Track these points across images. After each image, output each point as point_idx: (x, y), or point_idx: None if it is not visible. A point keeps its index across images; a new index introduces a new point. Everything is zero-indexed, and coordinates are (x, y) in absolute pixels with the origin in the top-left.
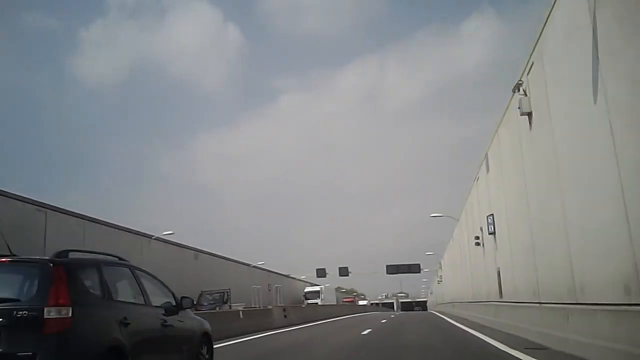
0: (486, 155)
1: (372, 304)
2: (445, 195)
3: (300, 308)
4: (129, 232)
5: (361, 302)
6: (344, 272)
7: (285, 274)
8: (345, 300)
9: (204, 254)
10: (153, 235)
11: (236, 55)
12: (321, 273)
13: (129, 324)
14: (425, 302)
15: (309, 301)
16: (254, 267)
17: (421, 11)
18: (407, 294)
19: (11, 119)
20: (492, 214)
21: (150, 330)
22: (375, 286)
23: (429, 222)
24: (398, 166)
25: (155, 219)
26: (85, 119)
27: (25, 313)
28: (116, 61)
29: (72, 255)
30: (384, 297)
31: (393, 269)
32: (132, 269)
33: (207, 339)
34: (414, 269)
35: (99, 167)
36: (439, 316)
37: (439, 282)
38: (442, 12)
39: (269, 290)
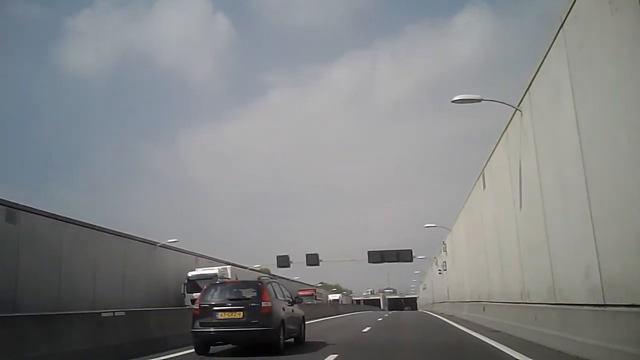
0: None
1: (354, 301)
2: (442, 193)
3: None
4: None
5: (333, 297)
6: (313, 260)
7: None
8: (302, 293)
9: (35, 216)
10: None
11: (226, 47)
12: (283, 261)
13: (285, 310)
14: (415, 299)
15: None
16: (163, 246)
17: (413, 5)
18: (395, 290)
19: None
20: None
21: (289, 313)
22: (363, 281)
23: (426, 218)
24: (393, 162)
25: (141, 214)
26: (70, 111)
27: (254, 304)
28: (103, 52)
29: (261, 278)
30: (369, 293)
31: (377, 257)
32: (278, 282)
33: (304, 321)
34: (404, 256)
35: (82, 160)
36: (479, 339)
37: (440, 271)
38: (435, 6)
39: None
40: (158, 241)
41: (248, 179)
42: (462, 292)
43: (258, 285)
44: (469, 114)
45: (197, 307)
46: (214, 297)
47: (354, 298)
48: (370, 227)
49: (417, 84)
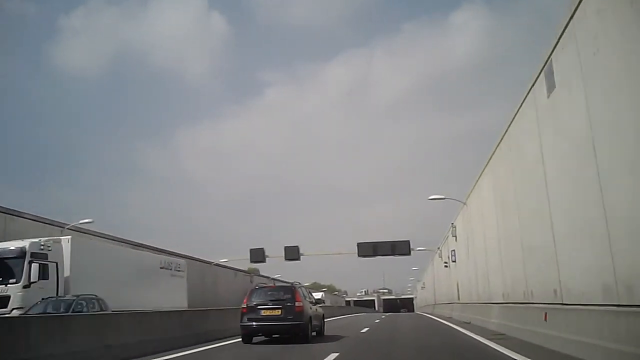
0: None
1: (348, 302)
2: (442, 192)
3: None
4: None
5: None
6: (292, 254)
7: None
8: None
9: None
10: None
11: (222, 45)
12: (257, 256)
13: (311, 308)
14: (412, 300)
15: None
16: (72, 228)
17: (411, 3)
18: (391, 290)
19: None
20: None
21: (314, 312)
22: (357, 281)
23: (425, 216)
24: (392, 161)
25: (140, 214)
26: (67, 111)
27: (289, 304)
28: (98, 50)
29: (294, 284)
30: (363, 293)
31: (368, 250)
32: (305, 287)
33: (324, 318)
34: (401, 249)
35: (81, 159)
36: None
37: (446, 264)
38: (432, 4)
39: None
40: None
41: (246, 178)
42: (485, 289)
43: (292, 290)
44: (469, 114)
45: (245, 306)
46: (257, 298)
47: (347, 299)
48: (369, 226)
49: (415, 82)
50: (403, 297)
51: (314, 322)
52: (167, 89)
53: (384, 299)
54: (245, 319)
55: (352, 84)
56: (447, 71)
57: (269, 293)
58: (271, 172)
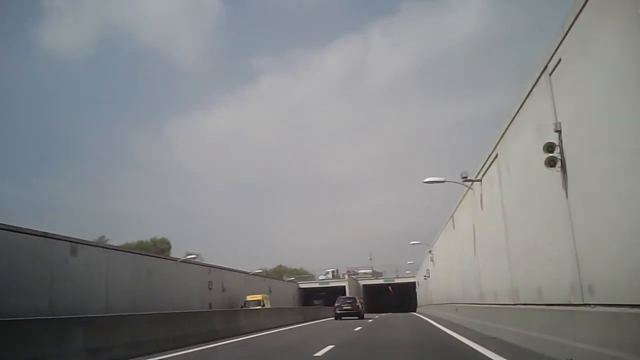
0: None
1: (303, 290)
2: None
3: None
4: None
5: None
6: None
7: None
8: None
9: None
10: None
11: (213, 26)
12: None
13: (361, 304)
14: (413, 286)
15: None
16: None
17: None
18: (381, 273)
19: None
20: None
21: (362, 306)
22: (335, 264)
23: (424, 209)
24: (387, 149)
25: (134, 206)
26: (48, 95)
27: (354, 303)
28: (83, 31)
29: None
30: (330, 275)
31: None
32: (359, 296)
33: (363, 310)
34: None
35: (61, 149)
36: None
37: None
38: None
39: None
40: None
41: (239, 168)
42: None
43: (355, 298)
44: (470, 95)
45: (336, 305)
46: (340, 302)
47: (302, 285)
48: (361, 216)
49: (414, 66)
50: (398, 281)
51: (362, 311)
52: (157, 73)
53: (364, 286)
54: (336, 309)
55: (351, 69)
56: (450, 52)
57: (346, 299)
58: (266, 162)
